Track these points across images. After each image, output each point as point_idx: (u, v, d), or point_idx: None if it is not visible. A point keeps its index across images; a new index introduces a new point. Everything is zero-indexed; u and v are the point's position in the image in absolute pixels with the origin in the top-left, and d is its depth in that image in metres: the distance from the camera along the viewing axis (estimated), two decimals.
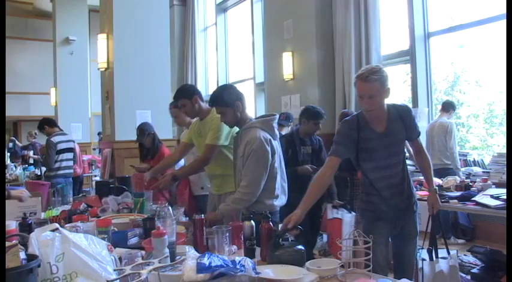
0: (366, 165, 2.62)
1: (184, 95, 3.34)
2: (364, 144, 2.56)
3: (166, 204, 2.51)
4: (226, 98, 2.76)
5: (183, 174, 3.47)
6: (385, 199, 2.58)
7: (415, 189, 2.83)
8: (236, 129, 2.96)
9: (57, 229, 1.68)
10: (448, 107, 5.58)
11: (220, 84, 9.40)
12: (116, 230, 2.41)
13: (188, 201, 4.02)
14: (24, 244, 1.64)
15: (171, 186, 3.37)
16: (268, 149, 2.65)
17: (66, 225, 2.37)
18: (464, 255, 4.26)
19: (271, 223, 2.10)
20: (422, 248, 2.79)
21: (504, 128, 6.29)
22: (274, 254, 1.93)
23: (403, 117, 2.57)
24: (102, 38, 6.32)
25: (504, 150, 5.45)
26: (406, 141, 2.73)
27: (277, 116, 2.89)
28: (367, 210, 2.68)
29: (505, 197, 3.60)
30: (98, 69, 6.52)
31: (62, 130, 6.66)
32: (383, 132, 2.55)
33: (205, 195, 3.75)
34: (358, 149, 2.57)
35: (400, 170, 2.61)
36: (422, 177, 4.54)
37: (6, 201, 2.78)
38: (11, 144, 11.86)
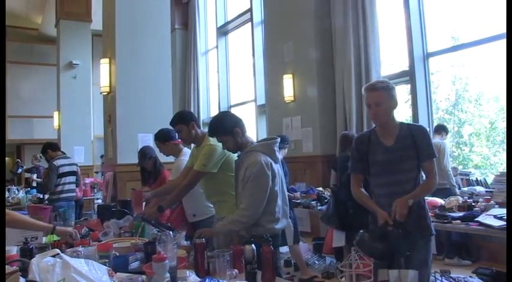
0: (375, 181, 2.65)
1: (182, 120, 3.38)
2: (372, 157, 2.62)
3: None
4: (224, 127, 2.78)
5: (169, 203, 3.39)
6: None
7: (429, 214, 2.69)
8: (231, 154, 3.02)
9: (58, 254, 1.68)
10: (440, 130, 5.72)
11: (220, 110, 9.54)
12: (117, 254, 2.40)
13: (186, 227, 4.00)
14: (25, 269, 1.64)
15: (157, 216, 3.29)
16: (269, 173, 2.64)
17: (67, 250, 2.37)
18: (470, 277, 4.21)
19: (272, 247, 2.09)
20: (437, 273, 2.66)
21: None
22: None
23: (414, 135, 2.59)
24: (104, 62, 6.41)
25: None
26: None
27: (279, 140, 2.89)
28: (373, 230, 2.66)
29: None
30: (101, 93, 6.59)
31: (64, 154, 6.68)
32: (391, 146, 2.59)
33: (200, 220, 3.74)
34: (369, 163, 2.63)
35: (409, 189, 2.56)
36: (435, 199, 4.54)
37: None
38: (20, 170, 11.89)
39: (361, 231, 2.41)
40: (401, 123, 2.65)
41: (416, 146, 2.57)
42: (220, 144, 2.98)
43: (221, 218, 3.03)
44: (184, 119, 3.39)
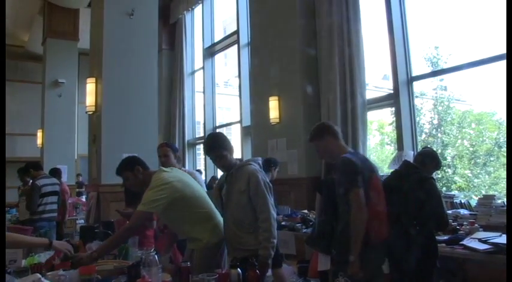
0: None
1: (126, 167, 3.14)
2: None
3: (152, 251, 2.47)
4: (221, 144, 2.91)
5: (104, 251, 2.93)
6: None
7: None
8: (186, 191, 2.98)
9: (38, 279, 1.64)
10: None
11: (205, 131, 9.55)
12: (100, 277, 2.36)
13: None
14: None
15: (91, 263, 2.72)
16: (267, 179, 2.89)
17: (48, 273, 2.31)
18: None
19: (257, 271, 2.08)
20: None
21: (488, 168, 6.39)
22: None
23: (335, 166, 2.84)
24: (90, 81, 6.39)
25: (490, 192, 5.51)
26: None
27: (260, 158, 3.15)
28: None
29: (493, 240, 3.61)
30: (86, 112, 6.55)
31: (46, 173, 6.60)
32: None
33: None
34: None
35: (331, 214, 2.91)
36: None
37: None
38: None
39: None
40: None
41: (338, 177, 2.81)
42: (168, 184, 2.90)
43: (192, 250, 3.04)
44: (128, 165, 3.14)
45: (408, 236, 3.10)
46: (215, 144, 2.93)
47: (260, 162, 3.03)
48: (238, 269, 2.09)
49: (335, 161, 2.87)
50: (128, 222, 3.09)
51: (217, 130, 9.91)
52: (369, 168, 2.80)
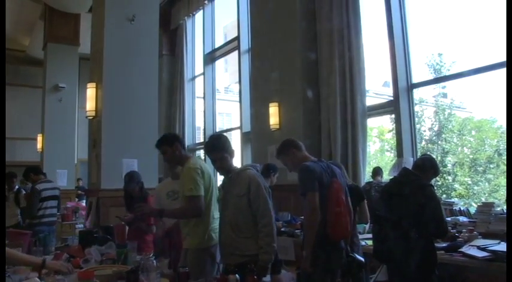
0: None
1: (166, 142, 3.41)
2: None
3: (151, 256, 2.47)
4: (223, 146, 2.94)
5: (171, 214, 3.39)
6: None
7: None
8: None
9: None
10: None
11: (205, 137, 9.57)
12: None
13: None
14: None
15: (153, 215, 3.40)
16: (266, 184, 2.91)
17: (47, 277, 2.31)
18: None
19: (255, 277, 2.08)
20: None
21: (488, 176, 6.39)
22: None
23: None
24: (91, 86, 6.40)
25: (490, 200, 5.50)
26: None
27: (258, 165, 3.24)
28: None
29: (492, 248, 3.60)
30: (86, 117, 6.55)
31: (47, 178, 6.58)
32: None
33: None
34: None
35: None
36: None
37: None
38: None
39: None
40: None
41: None
42: (200, 166, 3.12)
43: (186, 249, 3.17)
44: (168, 140, 3.43)
45: (408, 241, 3.11)
46: (217, 145, 2.95)
47: (258, 168, 3.05)
48: (236, 275, 2.08)
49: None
50: (190, 207, 3.13)
51: None
52: (330, 174, 3.04)
